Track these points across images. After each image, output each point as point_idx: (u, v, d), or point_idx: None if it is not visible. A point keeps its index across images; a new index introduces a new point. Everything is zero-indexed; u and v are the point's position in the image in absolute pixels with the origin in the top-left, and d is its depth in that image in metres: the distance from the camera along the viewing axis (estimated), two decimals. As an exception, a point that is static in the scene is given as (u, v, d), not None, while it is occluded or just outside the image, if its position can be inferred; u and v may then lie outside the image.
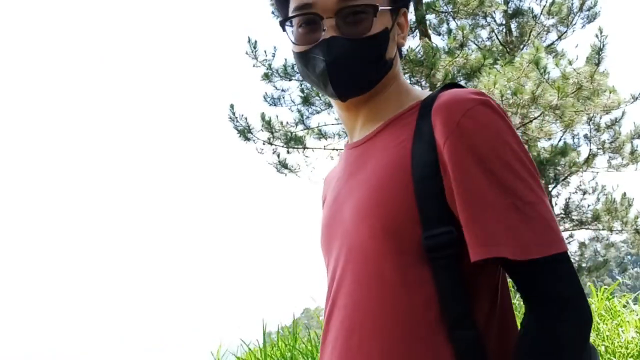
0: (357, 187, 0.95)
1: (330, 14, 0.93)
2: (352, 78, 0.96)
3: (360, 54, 0.94)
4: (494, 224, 0.80)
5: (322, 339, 0.99)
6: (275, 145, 8.84)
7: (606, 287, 5.44)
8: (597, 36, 7.14)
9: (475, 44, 10.92)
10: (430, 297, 0.84)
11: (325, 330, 0.97)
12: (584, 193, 11.50)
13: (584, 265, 11.35)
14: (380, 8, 0.94)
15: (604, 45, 7.10)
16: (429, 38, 8.05)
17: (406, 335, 0.85)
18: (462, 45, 7.23)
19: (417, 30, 8.13)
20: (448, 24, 10.26)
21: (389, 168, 0.90)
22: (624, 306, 5.25)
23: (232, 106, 8.63)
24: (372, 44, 0.95)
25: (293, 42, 0.99)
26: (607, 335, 4.49)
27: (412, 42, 7.95)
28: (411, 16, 8.65)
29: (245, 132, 8.67)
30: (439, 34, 10.56)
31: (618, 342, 4.36)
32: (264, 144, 8.84)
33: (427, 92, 1.01)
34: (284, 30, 1.00)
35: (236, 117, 8.64)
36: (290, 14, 0.98)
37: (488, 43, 11.75)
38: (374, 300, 0.87)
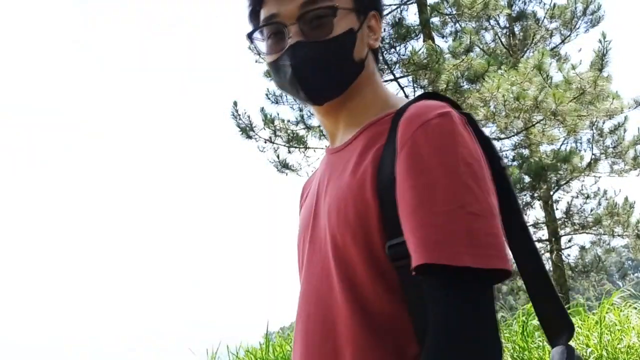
0: (332, 193, 0.96)
1: (292, 20, 0.96)
2: (320, 80, 0.98)
3: (324, 55, 0.96)
4: (426, 232, 0.80)
5: (294, 338, 1.00)
6: (277, 144, 8.82)
7: (608, 293, 5.43)
8: (600, 41, 7.14)
9: (480, 47, 10.93)
10: (400, 305, 0.85)
11: (296, 330, 0.98)
12: (586, 197, 11.49)
13: (584, 269, 11.34)
14: (340, 9, 0.96)
15: (607, 51, 7.10)
16: (433, 41, 8.05)
17: (379, 343, 0.85)
18: (468, 50, 7.22)
19: (421, 34, 8.12)
20: (454, 24, 10.25)
21: (360, 177, 0.91)
22: (621, 311, 5.24)
23: (235, 103, 8.56)
24: (335, 44, 0.96)
25: (263, 53, 1.03)
26: (608, 341, 4.49)
27: (416, 45, 7.95)
28: (415, 18, 8.69)
29: (247, 130, 8.63)
30: (443, 36, 10.58)
31: (619, 348, 4.36)
32: (265, 142, 8.81)
33: (404, 100, 1.02)
34: (252, 42, 1.04)
35: (239, 115, 8.59)
36: (260, 25, 1.02)
37: (492, 45, 11.76)
38: (347, 306, 0.88)
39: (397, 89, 8.31)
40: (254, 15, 1.03)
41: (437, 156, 0.82)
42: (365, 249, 0.87)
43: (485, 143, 0.92)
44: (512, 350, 4.76)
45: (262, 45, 1.04)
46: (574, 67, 7.59)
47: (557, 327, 0.96)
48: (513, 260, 0.93)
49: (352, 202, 0.89)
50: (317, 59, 0.96)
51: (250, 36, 1.03)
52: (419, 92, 8.33)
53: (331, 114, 1.03)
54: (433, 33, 8.62)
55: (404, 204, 0.83)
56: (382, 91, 1.04)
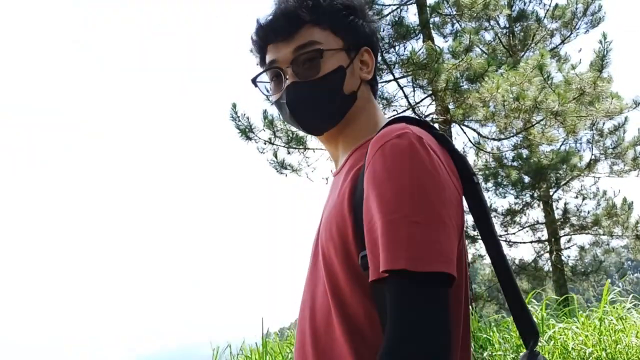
0: (326, 213, 1.08)
1: (287, 64, 1.11)
2: (312, 115, 1.12)
3: (314, 92, 1.10)
4: (377, 242, 0.88)
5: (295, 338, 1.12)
6: (277, 145, 8.81)
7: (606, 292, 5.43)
8: (600, 42, 7.13)
9: (480, 48, 10.93)
10: (372, 307, 0.94)
11: (296, 331, 1.10)
12: (585, 198, 11.49)
13: (583, 269, 11.34)
14: (325, 50, 1.10)
15: (607, 52, 7.09)
16: (433, 41, 8.05)
17: (353, 338, 0.95)
18: (468, 50, 7.22)
19: (421, 34, 8.11)
20: (452, 25, 10.25)
21: (341, 197, 1.03)
22: (619, 312, 5.24)
23: (234, 105, 8.53)
24: (324, 82, 1.10)
25: (266, 94, 1.19)
26: (607, 341, 4.49)
27: (416, 45, 7.94)
28: (415, 18, 8.69)
29: (246, 132, 8.61)
30: (443, 36, 10.57)
31: (618, 348, 4.37)
32: (265, 143, 8.80)
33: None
34: (256, 86, 1.19)
35: (238, 117, 8.58)
36: (262, 71, 1.18)
37: (492, 44, 11.75)
38: (333, 305, 0.99)
39: (397, 89, 8.32)
40: (261, 59, 1.19)
41: (387, 172, 0.91)
42: (345, 259, 0.98)
43: (460, 161, 1.02)
44: (510, 351, 4.77)
45: (264, 87, 1.19)
46: (573, 68, 7.59)
47: (523, 331, 1.04)
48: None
49: (335, 219, 1.01)
50: (308, 96, 1.11)
51: (254, 81, 1.18)
52: (418, 92, 8.33)
53: (331, 141, 1.18)
54: (433, 33, 8.62)
55: (365, 219, 0.93)
56: (376, 117, 1.17)
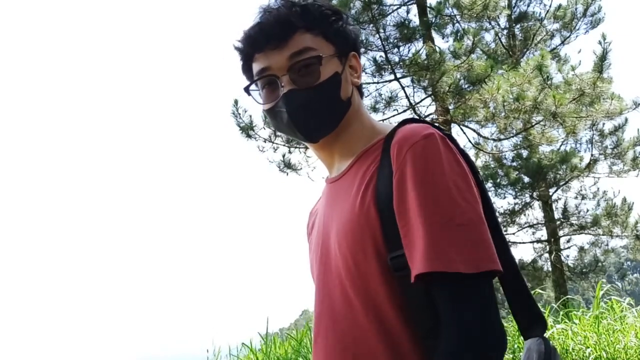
0: (339, 219, 1.07)
1: (283, 71, 1.09)
2: (314, 121, 1.11)
3: (315, 99, 1.09)
4: (422, 243, 0.91)
5: (313, 351, 1.11)
6: (277, 143, 8.76)
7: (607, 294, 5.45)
8: (600, 42, 7.14)
9: (480, 49, 10.94)
10: (402, 309, 0.97)
11: (316, 345, 1.08)
12: (585, 198, 11.50)
13: (583, 270, 11.34)
14: (324, 56, 1.09)
15: (606, 52, 7.10)
16: (433, 42, 8.05)
17: (386, 342, 0.97)
18: (469, 52, 7.21)
19: (421, 38, 8.12)
20: (453, 25, 10.24)
21: (362, 199, 1.02)
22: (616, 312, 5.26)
23: (236, 101, 8.36)
24: (324, 89, 1.09)
25: (261, 102, 1.15)
26: (606, 341, 4.50)
27: (419, 46, 7.95)
28: (416, 19, 8.69)
29: (247, 129, 8.50)
30: (443, 36, 10.58)
31: (617, 348, 4.38)
32: (265, 141, 8.72)
33: (389, 126, 1.13)
34: (249, 94, 1.16)
35: (239, 114, 8.45)
36: (254, 79, 1.14)
37: (492, 45, 11.74)
38: (364, 313, 1.00)
39: (397, 89, 8.33)
40: (245, 68, 1.16)
41: (423, 174, 0.94)
42: (378, 262, 0.99)
43: (465, 158, 1.04)
44: (509, 351, 4.78)
45: (257, 95, 1.16)
46: (573, 69, 7.59)
47: (530, 320, 1.07)
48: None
49: (359, 223, 1.01)
50: (309, 103, 1.09)
51: (247, 89, 1.16)
52: (419, 92, 8.34)
53: (325, 148, 1.16)
54: (434, 34, 8.62)
55: (402, 220, 0.95)
56: (368, 122, 1.17)
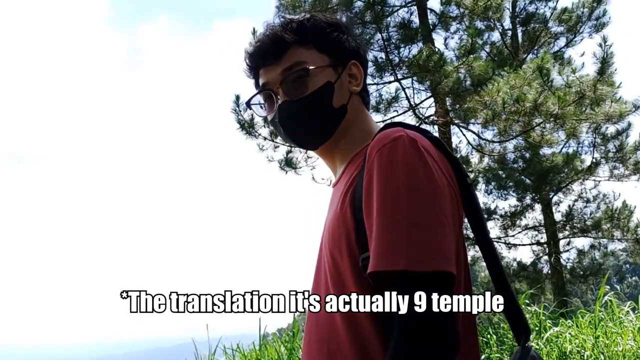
0: (328, 222, 1.13)
1: (277, 85, 1.17)
2: (305, 130, 1.18)
3: (304, 109, 1.16)
4: (374, 244, 0.93)
5: (302, 345, 1.16)
6: (277, 142, 8.72)
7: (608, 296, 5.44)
8: (600, 45, 7.13)
9: (484, 50, 10.93)
10: (375, 314, 0.97)
11: (303, 339, 1.14)
12: (586, 201, 11.50)
13: (581, 272, 11.34)
14: (312, 68, 1.15)
15: (607, 55, 7.09)
16: (433, 43, 8.05)
17: (358, 342, 0.99)
18: (470, 52, 7.21)
19: (422, 41, 8.12)
20: (456, 26, 10.23)
21: (342, 203, 1.07)
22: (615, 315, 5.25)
23: (237, 97, 8.16)
24: (312, 99, 1.15)
25: (261, 115, 1.25)
26: (604, 344, 4.50)
27: (419, 47, 7.95)
28: (416, 20, 8.68)
29: (247, 127, 8.43)
30: (445, 39, 10.57)
31: (615, 351, 4.37)
32: (265, 140, 8.68)
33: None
34: (250, 108, 1.25)
35: (240, 111, 8.36)
36: (254, 93, 1.24)
37: (497, 45, 11.72)
38: (336, 314, 1.03)
39: (398, 90, 8.32)
40: (256, 83, 1.25)
41: (384, 175, 0.96)
42: (351, 262, 1.01)
43: (454, 162, 1.07)
44: (507, 352, 4.78)
45: (259, 108, 1.25)
46: (574, 71, 7.57)
47: (518, 329, 1.09)
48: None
49: (338, 225, 1.05)
50: (298, 113, 1.16)
51: (248, 104, 1.25)
52: (420, 93, 8.34)
53: (327, 154, 1.24)
54: (434, 35, 8.61)
55: (368, 222, 0.97)
56: (368, 126, 1.22)
